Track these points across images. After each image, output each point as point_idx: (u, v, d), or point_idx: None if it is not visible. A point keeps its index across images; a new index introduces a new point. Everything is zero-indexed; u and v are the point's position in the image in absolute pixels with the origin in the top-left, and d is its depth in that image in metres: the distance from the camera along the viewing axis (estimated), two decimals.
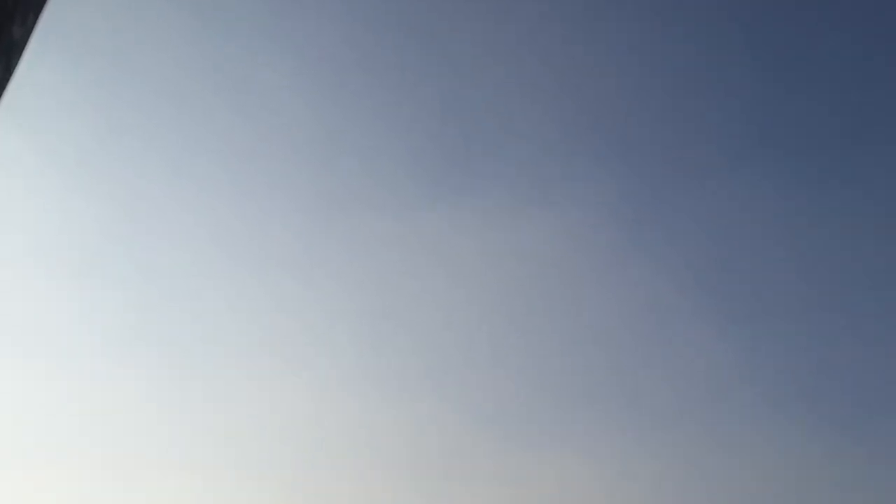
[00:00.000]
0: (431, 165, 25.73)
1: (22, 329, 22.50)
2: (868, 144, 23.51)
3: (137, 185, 23.64)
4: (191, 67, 23.72)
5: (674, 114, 23.82)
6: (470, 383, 24.61)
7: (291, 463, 22.37)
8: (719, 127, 24.03)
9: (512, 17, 23.98)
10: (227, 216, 24.65)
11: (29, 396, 21.94)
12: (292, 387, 23.55)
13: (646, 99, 24.12)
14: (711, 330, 23.46)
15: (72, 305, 24.04)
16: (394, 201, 25.47)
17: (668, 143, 24.76)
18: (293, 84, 24.51)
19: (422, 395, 24.56)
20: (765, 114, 23.80)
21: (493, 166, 25.11)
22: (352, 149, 25.63)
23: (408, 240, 24.67)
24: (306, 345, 24.23)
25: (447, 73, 25.09)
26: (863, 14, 23.07)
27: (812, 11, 23.12)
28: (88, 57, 21.84)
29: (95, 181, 23.83)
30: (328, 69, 25.31)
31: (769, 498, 22.12)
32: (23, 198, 21.31)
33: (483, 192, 24.50)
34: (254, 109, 24.67)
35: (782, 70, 23.44)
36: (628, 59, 24.22)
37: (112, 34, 22.18)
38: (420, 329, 24.83)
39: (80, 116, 22.77)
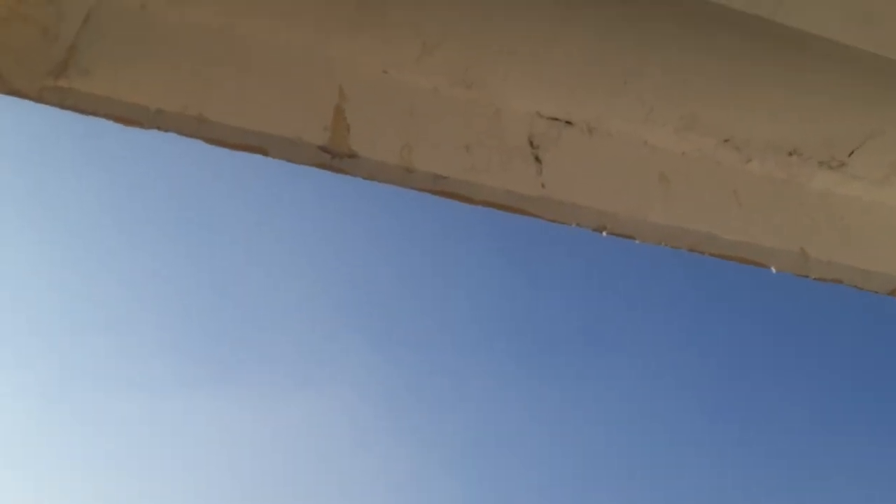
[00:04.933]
0: (192, 347, 23.08)
1: None
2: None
3: None
4: None
5: (438, 303, 22.88)
6: None
7: None
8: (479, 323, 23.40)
9: (284, 202, 22.14)
10: None
11: None
12: None
13: (414, 284, 23.17)
14: None
15: None
16: (148, 381, 22.34)
17: (431, 329, 24.01)
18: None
19: None
20: (517, 310, 23.40)
21: (259, 350, 23.13)
22: (100, 321, 22.21)
23: (157, 422, 21.84)
24: None
25: (212, 252, 22.65)
26: None
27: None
28: None
29: None
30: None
31: None
32: None
33: (247, 375, 22.55)
34: None
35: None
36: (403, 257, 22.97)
37: None
38: None
39: None
